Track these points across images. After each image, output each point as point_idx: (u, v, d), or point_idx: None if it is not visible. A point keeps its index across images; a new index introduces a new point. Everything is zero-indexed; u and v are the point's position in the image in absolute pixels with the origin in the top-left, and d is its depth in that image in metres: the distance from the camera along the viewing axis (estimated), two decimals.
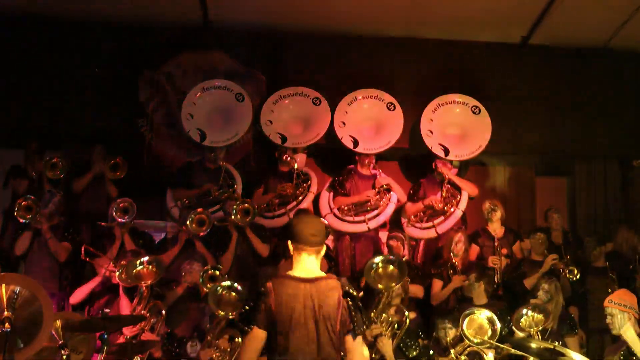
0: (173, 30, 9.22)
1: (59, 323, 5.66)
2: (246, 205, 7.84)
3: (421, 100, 9.00)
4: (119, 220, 7.70)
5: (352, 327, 4.33)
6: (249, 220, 7.83)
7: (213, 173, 8.54)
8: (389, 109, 8.81)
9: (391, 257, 6.58)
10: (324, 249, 4.49)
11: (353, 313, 4.32)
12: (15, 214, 7.59)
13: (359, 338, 4.34)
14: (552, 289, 7.36)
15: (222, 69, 9.15)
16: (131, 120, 9.15)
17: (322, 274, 4.43)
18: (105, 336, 5.28)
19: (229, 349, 6.19)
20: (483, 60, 9.49)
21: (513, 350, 6.05)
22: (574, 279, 7.88)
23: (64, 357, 5.58)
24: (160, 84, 9.11)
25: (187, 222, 7.71)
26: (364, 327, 4.33)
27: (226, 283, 6.40)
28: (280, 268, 7.21)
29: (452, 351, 6.46)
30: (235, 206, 7.83)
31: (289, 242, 4.49)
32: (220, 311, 6.15)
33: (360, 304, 4.36)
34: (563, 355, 5.50)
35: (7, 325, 4.84)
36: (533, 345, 5.71)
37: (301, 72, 9.27)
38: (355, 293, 4.35)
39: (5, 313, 4.89)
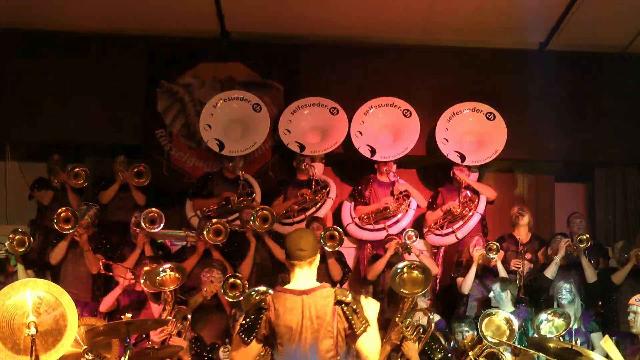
0: (191, 42, 9.34)
1: (83, 328, 5.74)
2: (265, 212, 7.89)
3: (439, 107, 9.01)
4: (147, 230, 7.78)
5: (352, 331, 4.36)
6: (268, 227, 7.88)
7: (232, 182, 8.62)
8: (405, 116, 8.86)
9: (416, 262, 6.64)
10: (317, 259, 4.52)
11: (350, 318, 4.35)
12: (55, 225, 7.71)
13: (363, 335, 4.37)
14: (575, 289, 7.37)
15: (239, 80, 9.27)
16: (150, 131, 9.26)
17: (317, 284, 4.47)
18: (128, 341, 5.33)
19: (262, 353, 6.21)
20: (501, 67, 9.48)
21: (531, 351, 6.07)
22: (586, 245, 7.91)
23: None
24: (178, 95, 9.23)
25: (204, 232, 7.77)
26: (363, 326, 4.35)
27: (262, 289, 6.51)
28: None
29: (470, 353, 6.46)
30: (253, 213, 7.88)
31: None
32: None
33: (355, 307, 4.36)
34: (581, 355, 5.50)
35: (32, 329, 4.92)
36: (551, 345, 5.71)
37: (318, 81, 9.34)
38: (347, 299, 4.37)
39: (31, 317, 4.97)
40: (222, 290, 7.13)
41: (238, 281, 7.14)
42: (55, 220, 7.72)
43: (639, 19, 8.79)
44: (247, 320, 4.45)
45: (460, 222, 8.58)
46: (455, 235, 8.54)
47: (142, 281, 6.86)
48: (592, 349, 6.86)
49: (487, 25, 8.94)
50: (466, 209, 8.58)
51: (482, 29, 9.01)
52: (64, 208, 7.83)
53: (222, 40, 9.23)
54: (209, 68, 9.31)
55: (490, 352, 6.54)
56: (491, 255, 7.83)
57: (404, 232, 7.97)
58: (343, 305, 4.34)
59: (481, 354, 6.50)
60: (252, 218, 7.85)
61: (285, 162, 9.14)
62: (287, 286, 4.49)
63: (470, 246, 8.07)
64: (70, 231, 7.70)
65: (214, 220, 7.88)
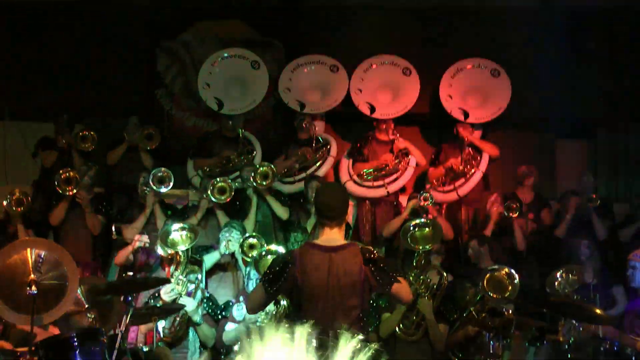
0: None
1: (84, 287, 5.77)
2: (265, 169, 7.89)
3: (442, 65, 8.94)
4: (156, 190, 7.78)
5: (382, 288, 4.41)
6: (269, 184, 7.88)
7: (232, 141, 8.60)
8: (404, 74, 8.79)
9: (425, 219, 6.69)
10: (346, 219, 4.59)
11: (378, 277, 4.38)
12: (56, 186, 7.73)
13: (394, 286, 4.41)
14: (593, 245, 7.40)
15: (239, 38, 9.17)
16: (150, 91, 9.22)
17: (344, 242, 4.51)
18: (130, 299, 5.36)
19: (274, 312, 6.26)
20: (504, 24, 9.37)
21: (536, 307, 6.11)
22: (596, 203, 7.98)
23: (91, 319, 5.70)
24: (178, 54, 9.16)
25: (208, 191, 7.77)
26: (392, 279, 4.40)
27: (274, 248, 6.56)
28: None
29: (471, 309, 6.49)
30: (254, 170, 7.88)
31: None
32: None
33: (383, 264, 4.43)
34: (585, 309, 5.53)
35: (33, 288, 4.95)
36: (554, 299, 5.75)
37: (318, 40, 9.27)
38: (374, 256, 4.41)
39: (31, 276, 5.00)
40: (239, 250, 7.15)
41: (256, 241, 7.16)
42: (56, 182, 7.73)
43: None
44: (272, 270, 4.48)
45: (462, 180, 8.55)
46: (457, 193, 8.52)
47: (158, 246, 6.87)
48: (614, 304, 6.93)
49: None
50: (468, 166, 8.55)
51: None
52: (65, 169, 7.84)
53: None
54: (209, 26, 9.22)
55: (491, 307, 6.58)
56: (511, 215, 7.84)
57: (421, 193, 7.93)
58: (371, 264, 4.39)
59: (483, 310, 6.53)
60: (252, 175, 7.85)
61: (286, 121, 9.10)
62: (315, 241, 4.53)
63: (488, 202, 8.06)
64: (71, 193, 7.71)
65: (219, 179, 7.88)
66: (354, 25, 9.33)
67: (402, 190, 8.69)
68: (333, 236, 4.50)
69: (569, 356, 4.81)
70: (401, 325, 6.55)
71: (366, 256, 4.39)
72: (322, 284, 4.35)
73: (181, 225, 6.95)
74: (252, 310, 4.90)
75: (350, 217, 8.48)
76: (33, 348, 4.97)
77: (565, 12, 9.31)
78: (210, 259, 7.25)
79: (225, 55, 8.82)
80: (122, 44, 9.16)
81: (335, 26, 9.35)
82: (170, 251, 6.79)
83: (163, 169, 7.88)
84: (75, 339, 4.99)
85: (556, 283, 6.74)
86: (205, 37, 9.18)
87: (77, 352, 4.96)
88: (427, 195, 7.86)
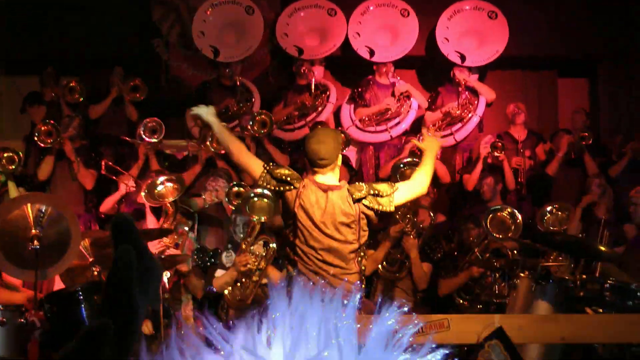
0: None
1: (87, 240, 5.76)
2: (263, 117, 7.83)
3: (439, 7, 8.80)
4: (147, 139, 7.72)
5: (384, 210, 4.56)
6: (267, 132, 7.83)
7: (230, 90, 8.50)
8: (402, 16, 8.66)
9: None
10: (339, 161, 4.68)
11: (373, 206, 4.56)
12: (36, 139, 7.61)
13: (396, 196, 4.58)
14: (604, 182, 7.42)
15: None
16: (147, 41, 9.09)
17: (339, 183, 4.63)
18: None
19: (264, 254, 6.28)
20: None
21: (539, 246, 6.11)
22: (588, 141, 8.00)
23: (95, 273, 5.69)
24: (173, 3, 9.01)
25: (208, 141, 7.72)
26: (390, 198, 4.56)
27: (258, 190, 6.44)
28: None
29: (476, 250, 6.50)
30: (252, 118, 7.82)
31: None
32: (254, 216, 6.23)
33: (373, 191, 4.59)
34: (588, 245, 5.53)
35: (35, 242, 4.94)
36: (557, 238, 5.75)
37: None
38: (362, 193, 4.54)
39: (33, 231, 4.98)
40: (226, 199, 7.13)
41: (242, 189, 7.14)
42: (36, 134, 7.61)
43: None
44: (280, 174, 4.61)
45: (459, 124, 8.48)
46: (454, 137, 8.47)
47: (142, 194, 6.83)
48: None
49: None
50: (465, 111, 8.47)
51: None
52: (44, 121, 7.70)
53: None
54: None
55: (495, 247, 6.59)
56: (495, 154, 7.82)
57: (419, 136, 7.89)
58: (363, 200, 4.52)
59: (486, 250, 6.54)
60: (250, 123, 7.80)
61: (284, 67, 8.99)
62: (315, 177, 4.63)
63: (481, 143, 8.06)
64: (54, 145, 7.59)
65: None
66: None
67: (406, 133, 8.60)
68: (327, 177, 4.62)
69: (575, 294, 4.79)
70: (384, 263, 6.58)
71: (355, 196, 4.53)
72: (316, 219, 4.49)
73: (166, 177, 6.88)
74: (237, 151, 4.91)
75: (353, 162, 8.47)
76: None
77: None
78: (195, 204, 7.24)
79: (219, 2, 8.66)
80: None
81: None
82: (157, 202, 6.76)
83: (154, 118, 7.79)
84: (81, 293, 4.99)
85: (546, 218, 6.73)
86: None
87: (82, 306, 4.96)
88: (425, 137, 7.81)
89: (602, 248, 5.39)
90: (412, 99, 8.52)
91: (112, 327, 1.59)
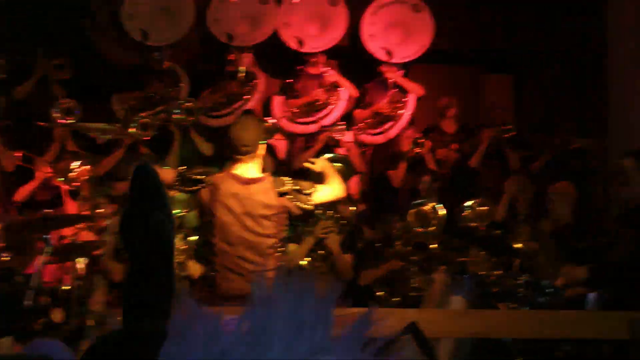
0: None
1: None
2: (189, 104, 7.74)
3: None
4: (60, 121, 7.53)
5: (304, 207, 4.59)
6: (193, 120, 7.73)
7: (159, 74, 8.39)
8: (331, 4, 8.62)
9: (338, 155, 6.66)
10: (262, 150, 4.65)
11: (296, 201, 4.55)
12: None
13: (315, 195, 4.61)
14: (523, 180, 7.52)
15: None
16: (76, 21, 8.88)
17: (261, 175, 4.61)
18: (47, 237, 5.23)
19: (183, 248, 6.20)
20: None
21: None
22: (509, 134, 8.11)
23: (8, 259, 5.56)
24: None
25: (132, 126, 7.59)
26: (310, 195, 4.58)
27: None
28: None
29: (397, 242, 6.55)
30: (178, 106, 7.73)
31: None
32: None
33: (295, 187, 4.59)
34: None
35: None
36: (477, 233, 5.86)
37: None
38: (286, 187, 4.57)
39: None
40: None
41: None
42: None
43: None
44: (192, 174, 4.52)
45: (391, 122, 8.48)
46: (386, 136, 8.47)
47: (59, 178, 6.70)
48: None
49: None
50: (395, 108, 8.48)
51: None
52: None
53: None
54: None
55: (418, 241, 6.65)
56: (417, 150, 7.90)
57: (332, 126, 7.90)
58: (286, 194, 4.53)
59: (409, 243, 6.60)
60: (176, 111, 7.70)
61: (214, 53, 8.87)
62: (232, 170, 4.60)
63: (403, 138, 8.09)
64: None
65: (142, 115, 7.70)
66: None
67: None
68: (248, 168, 4.58)
69: (489, 289, 4.89)
70: (308, 259, 6.58)
71: (278, 189, 4.54)
72: (236, 213, 4.44)
73: (81, 160, 6.75)
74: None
75: (283, 153, 8.44)
76: None
77: None
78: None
79: None
80: None
81: None
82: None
83: (69, 99, 7.64)
84: None
85: (465, 214, 6.84)
86: None
87: None
88: (340, 127, 7.79)
89: (519, 244, 5.49)
90: (341, 89, 8.51)
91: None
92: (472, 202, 6.98)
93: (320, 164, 5.05)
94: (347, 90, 8.54)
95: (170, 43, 8.48)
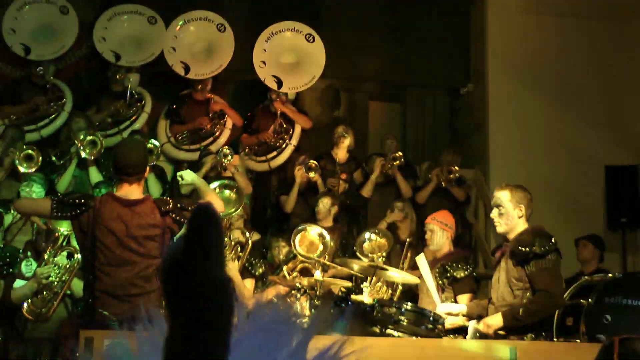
0: None
1: None
2: (92, 137, 7.56)
3: (256, 22, 8.84)
4: None
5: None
6: (97, 154, 7.56)
7: (41, 89, 8.21)
8: (219, 31, 8.62)
9: (228, 181, 6.67)
10: (147, 173, 4.65)
11: (179, 218, 4.52)
12: None
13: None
14: (407, 207, 7.66)
15: None
16: None
17: (142, 196, 4.56)
18: None
19: (67, 266, 6.07)
20: None
21: (339, 268, 6.29)
22: (400, 163, 8.19)
23: None
24: None
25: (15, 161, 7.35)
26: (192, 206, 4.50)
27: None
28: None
29: (284, 268, 6.60)
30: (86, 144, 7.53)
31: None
32: (58, 227, 6.04)
33: (179, 204, 4.56)
34: (385, 269, 5.79)
35: None
36: (355, 265, 5.99)
37: None
38: (169, 206, 4.52)
39: None
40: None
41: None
42: None
43: None
44: (70, 198, 4.53)
45: (275, 152, 8.50)
46: (269, 165, 8.49)
47: None
48: None
49: None
50: (280, 140, 8.49)
51: None
52: None
53: None
54: None
55: (304, 267, 6.71)
56: (310, 175, 7.93)
57: (220, 150, 7.88)
58: (170, 213, 4.47)
59: (294, 269, 6.65)
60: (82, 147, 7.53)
61: (99, 71, 8.74)
62: (115, 192, 4.55)
63: (296, 164, 8.13)
64: None
65: (25, 147, 7.47)
66: None
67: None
68: (132, 190, 4.52)
69: (373, 316, 5.00)
70: None
71: (162, 209, 4.49)
72: (118, 235, 4.37)
73: None
74: (22, 205, 5.07)
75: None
76: None
77: None
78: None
79: (30, 0, 8.37)
80: None
81: None
82: None
83: None
84: None
85: (365, 245, 6.94)
86: None
87: None
88: (227, 151, 7.78)
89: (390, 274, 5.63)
90: (227, 117, 8.50)
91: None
92: (371, 232, 7.07)
93: (188, 176, 5.02)
94: (232, 120, 8.53)
95: (53, 58, 8.30)
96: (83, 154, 7.51)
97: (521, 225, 4.94)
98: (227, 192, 6.49)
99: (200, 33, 8.69)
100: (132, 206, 4.44)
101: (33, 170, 7.32)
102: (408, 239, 7.15)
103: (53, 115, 8.12)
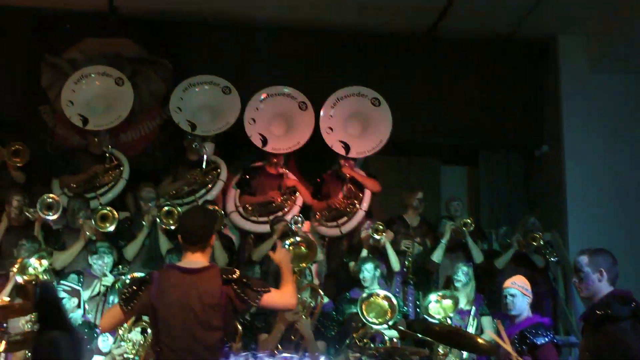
0: (78, 16, 9.00)
1: None
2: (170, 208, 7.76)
3: (325, 92, 8.85)
4: (45, 217, 7.52)
5: (247, 304, 4.40)
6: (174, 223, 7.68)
7: (99, 158, 8.39)
8: (300, 108, 8.73)
9: (300, 239, 6.70)
10: (210, 242, 4.54)
11: (242, 294, 4.36)
12: None
13: (264, 298, 4.41)
14: (471, 272, 7.53)
15: (126, 55, 9.03)
16: (34, 107, 8.93)
17: (206, 264, 4.47)
18: (5, 325, 5.12)
19: (142, 342, 6.10)
20: (386, 50, 9.53)
21: (419, 335, 6.17)
22: (470, 227, 8.07)
23: None
24: (63, 70, 8.88)
25: (92, 220, 7.51)
26: (260, 292, 4.39)
27: (138, 274, 6.34)
28: None
29: (354, 335, 6.50)
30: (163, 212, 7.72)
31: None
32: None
33: (245, 280, 4.42)
34: (466, 337, 5.64)
35: None
36: (436, 328, 5.84)
37: (207, 60, 9.18)
38: (234, 275, 4.40)
39: None
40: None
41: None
42: None
43: (521, 7, 8.92)
44: (129, 289, 4.45)
45: (345, 218, 8.44)
46: (340, 230, 8.42)
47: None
48: (482, 332, 7.04)
49: (375, 8, 8.91)
50: (350, 205, 8.44)
51: (374, 11, 8.97)
52: None
53: (110, 16, 8.94)
54: (96, 43, 9.02)
55: (374, 334, 6.61)
56: (376, 236, 7.83)
57: (292, 217, 7.89)
58: (232, 283, 4.35)
59: (365, 336, 6.55)
60: (158, 214, 7.72)
61: (174, 141, 8.93)
62: (178, 264, 4.51)
63: (362, 229, 8.09)
64: None
65: (106, 208, 7.66)
66: (242, 45, 9.27)
67: None
68: (195, 259, 4.47)
69: None
70: (280, 346, 6.47)
71: (225, 276, 4.37)
72: (179, 305, 4.29)
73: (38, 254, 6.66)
74: (103, 327, 4.92)
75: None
76: None
77: (448, 40, 9.56)
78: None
79: (88, 73, 8.65)
80: (5, 57, 8.86)
81: (225, 46, 9.29)
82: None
83: (52, 195, 7.63)
84: None
85: (431, 307, 6.83)
86: (91, 54, 8.97)
87: None
88: (298, 218, 7.80)
89: (480, 340, 5.49)
90: (298, 194, 8.50)
91: None
92: (437, 295, 6.97)
93: (279, 255, 4.83)
94: (303, 197, 8.53)
95: (109, 128, 8.47)
96: (161, 224, 7.65)
97: (605, 289, 4.77)
98: (300, 248, 6.57)
99: (282, 107, 8.81)
100: (193, 274, 4.37)
101: (112, 228, 7.50)
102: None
103: (111, 183, 8.30)
